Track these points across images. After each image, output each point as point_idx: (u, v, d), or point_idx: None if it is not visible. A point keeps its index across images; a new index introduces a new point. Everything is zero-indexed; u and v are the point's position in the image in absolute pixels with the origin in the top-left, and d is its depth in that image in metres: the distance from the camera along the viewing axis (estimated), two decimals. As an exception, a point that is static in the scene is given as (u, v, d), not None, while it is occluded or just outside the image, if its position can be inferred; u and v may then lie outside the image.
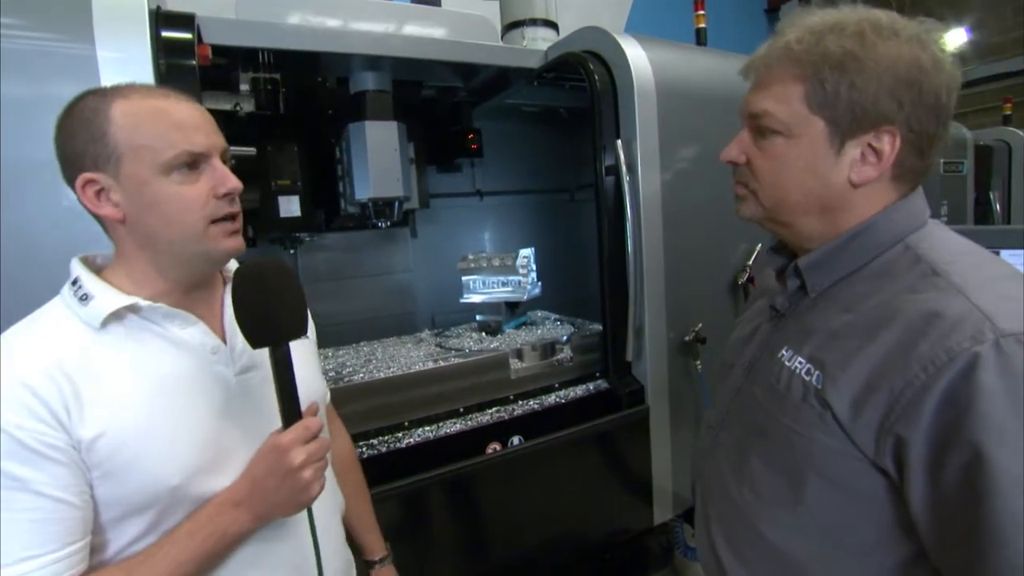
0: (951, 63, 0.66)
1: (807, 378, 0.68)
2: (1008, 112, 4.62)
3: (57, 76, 1.11)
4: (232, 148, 1.75)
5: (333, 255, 2.23)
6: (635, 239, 1.70)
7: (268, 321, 0.74)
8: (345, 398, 1.45)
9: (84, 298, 0.72)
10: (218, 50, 1.46)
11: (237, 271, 0.76)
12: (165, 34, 1.25)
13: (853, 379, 0.63)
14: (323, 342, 2.01)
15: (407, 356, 1.69)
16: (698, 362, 1.82)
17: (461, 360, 1.63)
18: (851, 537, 0.67)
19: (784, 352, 0.73)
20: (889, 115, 0.65)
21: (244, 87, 1.89)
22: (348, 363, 1.64)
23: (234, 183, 0.77)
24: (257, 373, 0.82)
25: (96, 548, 0.70)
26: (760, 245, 1.93)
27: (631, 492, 1.82)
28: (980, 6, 5.67)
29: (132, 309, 0.73)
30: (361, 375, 1.51)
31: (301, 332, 0.77)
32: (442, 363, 1.60)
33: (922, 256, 0.67)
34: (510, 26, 2.29)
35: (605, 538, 1.83)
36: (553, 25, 2.32)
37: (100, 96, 0.73)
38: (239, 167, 1.75)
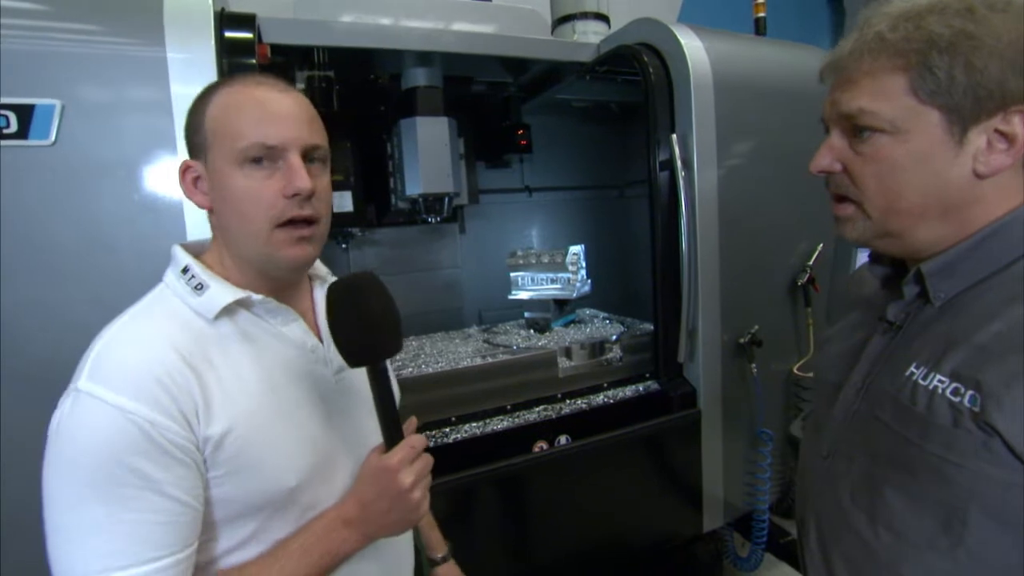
0: None
1: (955, 399, 0.59)
2: None
3: (129, 78, 1.16)
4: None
5: (383, 250, 2.26)
6: (690, 237, 1.64)
7: (368, 340, 0.71)
8: (394, 392, 1.47)
9: (199, 288, 0.71)
10: (276, 49, 1.50)
11: (333, 285, 0.72)
12: (228, 34, 1.29)
13: None
14: (372, 336, 2.06)
15: (455, 352, 1.69)
16: (753, 365, 1.75)
17: (509, 357, 1.63)
18: None
19: (913, 369, 0.64)
20: (1017, 93, 0.58)
21: (300, 86, 1.94)
22: (397, 357, 1.66)
23: (302, 183, 0.70)
24: (349, 374, 0.81)
25: (201, 547, 0.67)
26: (822, 245, 1.84)
27: (680, 497, 1.77)
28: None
29: (243, 303, 0.73)
30: (410, 369, 1.52)
31: (399, 348, 0.75)
32: (490, 359, 1.60)
33: None
34: (560, 20, 2.26)
35: (652, 543, 1.79)
36: (604, 18, 2.27)
37: (210, 89, 0.74)
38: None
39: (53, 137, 1.06)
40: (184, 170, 0.74)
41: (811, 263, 1.81)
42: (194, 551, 0.65)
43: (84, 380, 0.61)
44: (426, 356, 1.65)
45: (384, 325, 0.72)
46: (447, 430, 1.50)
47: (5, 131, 1.02)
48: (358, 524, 0.73)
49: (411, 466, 0.73)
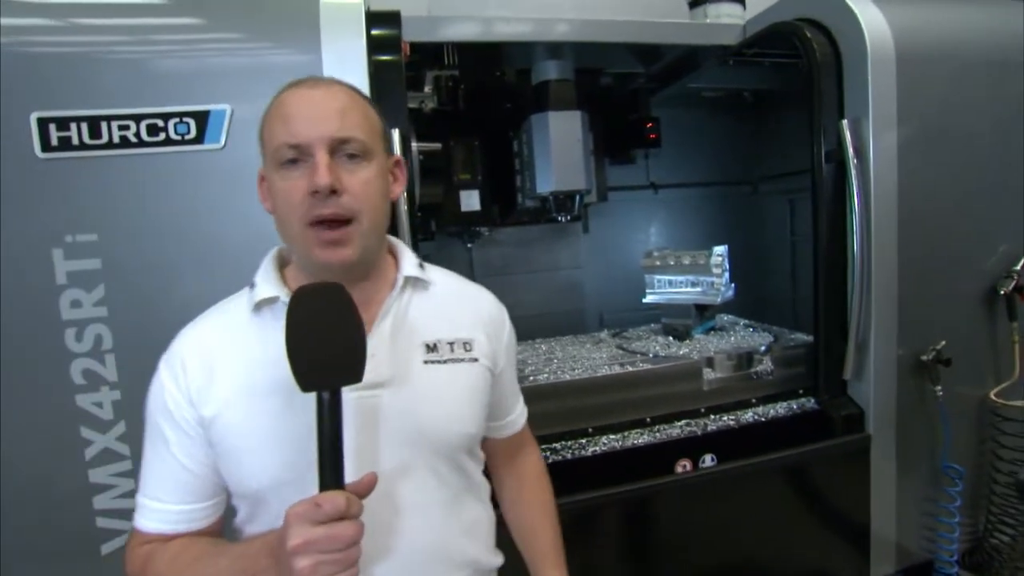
0: None
1: None
2: None
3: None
4: (419, 144, 1.83)
5: (506, 250, 2.22)
6: (862, 236, 1.43)
7: (313, 361, 0.62)
8: (529, 398, 1.40)
9: (252, 285, 0.77)
10: (411, 47, 1.48)
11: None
12: (375, 32, 1.28)
13: None
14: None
15: (588, 357, 1.60)
16: (938, 388, 1.49)
17: (651, 366, 1.50)
18: None
19: None
20: None
21: (427, 87, 1.94)
22: (529, 361, 1.59)
23: (318, 179, 0.66)
24: (386, 392, 0.74)
25: (230, 512, 0.78)
26: (1034, 246, 1.54)
27: (842, 535, 1.55)
28: None
29: (276, 300, 0.74)
30: (545, 375, 1.45)
31: (352, 378, 0.64)
32: (630, 368, 1.49)
33: None
34: (692, 5, 2.10)
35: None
36: (739, 0, 2.08)
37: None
38: (426, 163, 1.83)
39: (223, 140, 1.09)
40: (260, 180, 0.76)
41: (1019, 268, 1.52)
42: (194, 512, 0.74)
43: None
44: (559, 361, 1.57)
45: (334, 345, 0.63)
46: (584, 441, 1.40)
47: (186, 137, 1.07)
48: (276, 560, 0.62)
49: (307, 527, 0.58)
